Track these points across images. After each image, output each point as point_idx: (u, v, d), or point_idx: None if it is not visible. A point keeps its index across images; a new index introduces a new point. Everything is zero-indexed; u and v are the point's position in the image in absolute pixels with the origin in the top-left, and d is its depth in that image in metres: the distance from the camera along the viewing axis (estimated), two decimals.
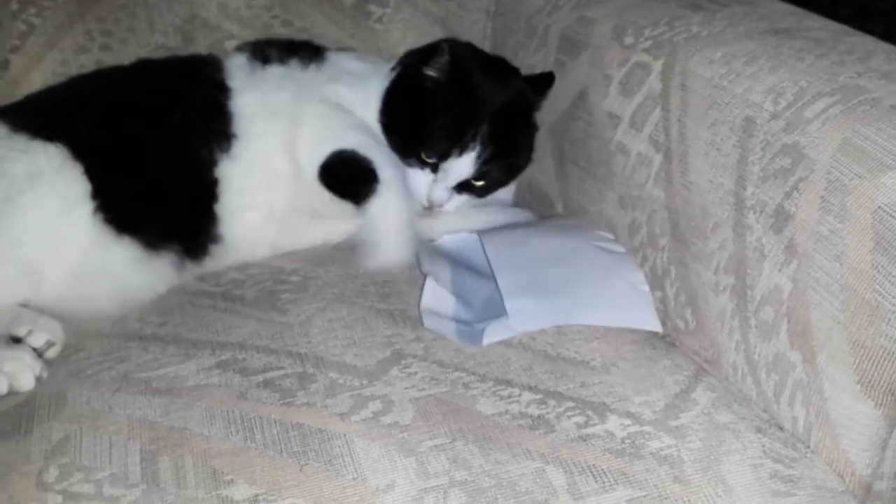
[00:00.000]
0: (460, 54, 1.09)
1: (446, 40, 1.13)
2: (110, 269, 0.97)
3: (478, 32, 1.36)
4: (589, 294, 0.95)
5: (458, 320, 0.91)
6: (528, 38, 1.25)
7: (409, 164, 1.08)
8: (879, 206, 0.73)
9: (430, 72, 1.08)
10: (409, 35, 1.32)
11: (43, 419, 0.78)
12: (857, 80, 0.83)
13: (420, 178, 1.08)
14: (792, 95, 0.84)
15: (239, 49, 1.13)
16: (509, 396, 0.81)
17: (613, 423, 0.78)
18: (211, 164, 1.03)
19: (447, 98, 1.07)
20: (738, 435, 0.78)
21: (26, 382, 0.85)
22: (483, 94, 1.08)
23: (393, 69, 1.14)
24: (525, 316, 0.90)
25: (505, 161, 1.10)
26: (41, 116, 1.01)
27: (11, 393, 0.84)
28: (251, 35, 1.22)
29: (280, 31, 1.24)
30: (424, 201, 1.08)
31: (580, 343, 0.90)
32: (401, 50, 1.31)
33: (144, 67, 1.09)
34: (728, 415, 0.81)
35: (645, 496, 0.72)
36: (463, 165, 1.07)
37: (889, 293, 0.72)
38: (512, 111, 1.10)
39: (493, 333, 0.89)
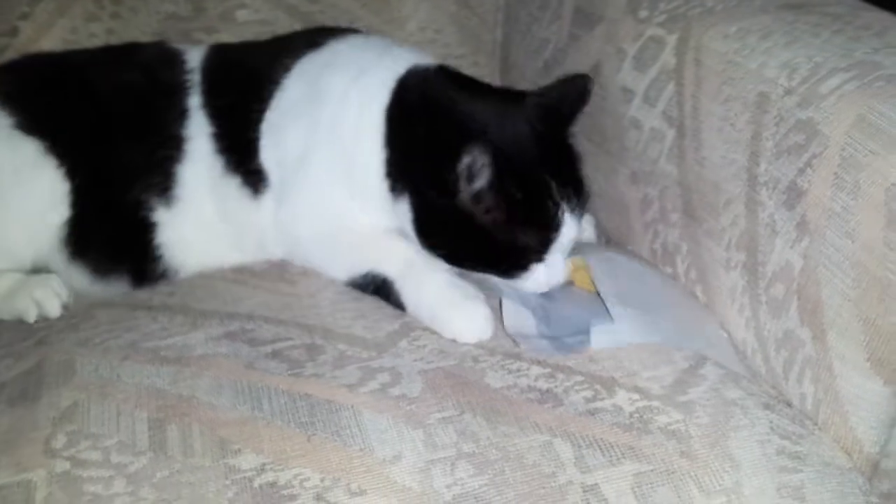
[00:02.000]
0: (496, 145, 0.83)
1: (467, 139, 0.83)
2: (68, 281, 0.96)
3: (491, 4, 1.35)
4: (687, 321, 0.90)
5: (544, 336, 0.86)
6: (542, 11, 1.24)
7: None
8: (893, 184, 0.72)
9: (473, 197, 0.85)
10: (422, 7, 1.30)
11: (51, 386, 0.78)
12: (874, 55, 0.82)
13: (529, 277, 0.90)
14: (807, 71, 0.83)
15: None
16: (518, 370, 0.81)
17: (622, 397, 0.78)
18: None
19: (512, 208, 0.85)
20: (746, 411, 0.78)
21: (53, 309, 0.90)
22: (538, 163, 0.88)
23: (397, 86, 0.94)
24: (632, 325, 0.85)
25: (582, 186, 0.92)
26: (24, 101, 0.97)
27: (39, 319, 0.90)
28: (262, 4, 1.21)
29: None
30: (546, 288, 0.90)
31: None
32: (414, 25, 1.29)
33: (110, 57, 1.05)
34: (736, 391, 0.80)
35: (652, 470, 0.71)
36: (567, 233, 0.89)
37: None
38: (561, 149, 0.93)
39: (600, 339, 0.84)
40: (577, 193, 0.90)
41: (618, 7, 1.09)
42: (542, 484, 0.70)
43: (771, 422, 0.78)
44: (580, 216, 0.91)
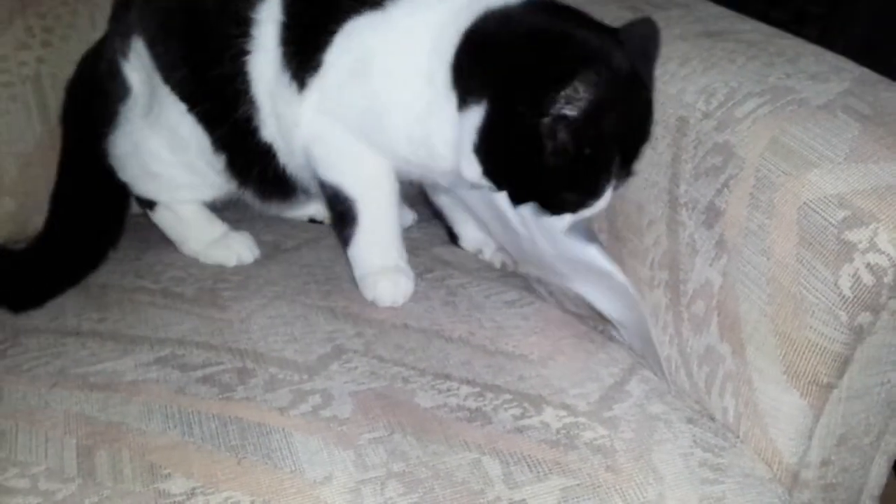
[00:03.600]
0: (605, 80, 0.82)
1: (578, 54, 0.84)
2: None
3: None
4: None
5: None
6: None
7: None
8: (804, 203, 0.76)
9: (555, 123, 0.82)
10: None
11: None
12: (786, 80, 0.85)
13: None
14: (723, 96, 0.87)
15: None
16: (448, 390, 0.82)
17: (549, 414, 0.80)
18: None
19: (588, 148, 0.84)
20: (670, 425, 0.80)
21: (248, 257, 1.05)
22: (620, 124, 0.85)
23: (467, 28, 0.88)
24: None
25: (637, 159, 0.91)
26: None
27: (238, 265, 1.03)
28: None
29: None
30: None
31: (519, 337, 0.91)
32: None
33: None
34: (660, 406, 0.83)
35: (578, 485, 0.73)
36: (600, 205, 0.88)
37: (813, 286, 0.74)
38: (646, 107, 0.89)
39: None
40: (629, 172, 0.89)
41: None
42: (470, 501, 0.71)
43: (694, 435, 0.80)
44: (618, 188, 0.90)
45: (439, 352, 0.87)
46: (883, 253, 0.71)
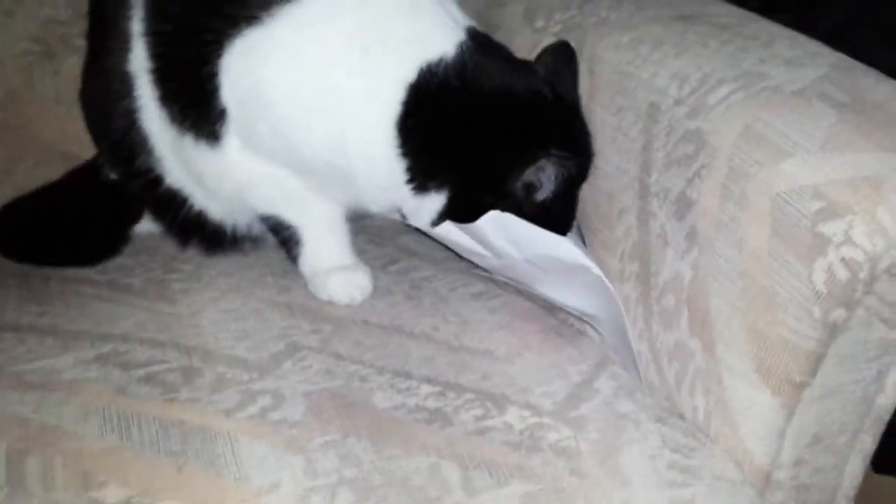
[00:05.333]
0: (561, 158, 0.85)
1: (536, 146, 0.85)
2: None
3: None
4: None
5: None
6: None
7: None
8: (778, 194, 0.72)
9: (530, 195, 0.86)
10: None
11: None
12: (760, 66, 0.82)
13: None
14: (696, 81, 0.83)
15: None
16: (407, 389, 0.78)
17: (513, 414, 0.76)
18: None
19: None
20: (639, 425, 0.77)
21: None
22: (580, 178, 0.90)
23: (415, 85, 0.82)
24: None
25: None
26: None
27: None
28: None
29: None
30: None
31: (485, 333, 0.87)
32: None
33: None
34: (629, 404, 0.79)
35: (541, 490, 0.69)
36: None
37: (786, 281, 0.71)
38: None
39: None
40: None
41: (515, 16, 1.08)
42: None
43: (663, 435, 0.77)
44: None
45: (400, 348, 0.83)
46: (858, 247, 0.68)
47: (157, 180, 0.93)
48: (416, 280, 0.96)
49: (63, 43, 1.10)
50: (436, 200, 0.86)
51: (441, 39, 0.84)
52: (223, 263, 0.97)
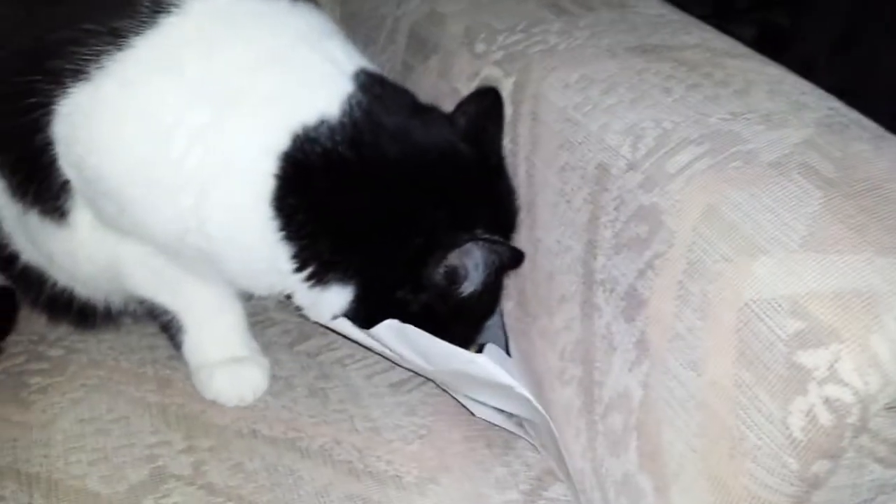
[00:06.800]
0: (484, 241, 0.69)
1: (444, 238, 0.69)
2: None
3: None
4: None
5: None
6: (377, 32, 1.06)
7: None
8: (746, 303, 0.57)
9: (449, 287, 0.71)
10: None
11: None
12: (732, 123, 0.66)
13: None
14: (653, 140, 0.67)
15: None
16: None
17: None
18: None
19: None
20: None
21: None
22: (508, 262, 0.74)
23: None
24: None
25: None
26: None
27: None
28: None
29: None
30: None
31: (398, 446, 0.72)
32: None
33: None
34: None
35: None
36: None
37: (754, 421, 0.55)
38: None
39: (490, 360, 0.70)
40: None
41: (454, 36, 0.92)
42: None
43: None
44: None
45: (289, 475, 0.69)
46: (847, 385, 0.52)
47: (12, 257, 0.79)
48: (326, 365, 0.81)
49: None
50: (339, 295, 0.70)
51: (320, 94, 0.68)
52: (102, 345, 0.82)
